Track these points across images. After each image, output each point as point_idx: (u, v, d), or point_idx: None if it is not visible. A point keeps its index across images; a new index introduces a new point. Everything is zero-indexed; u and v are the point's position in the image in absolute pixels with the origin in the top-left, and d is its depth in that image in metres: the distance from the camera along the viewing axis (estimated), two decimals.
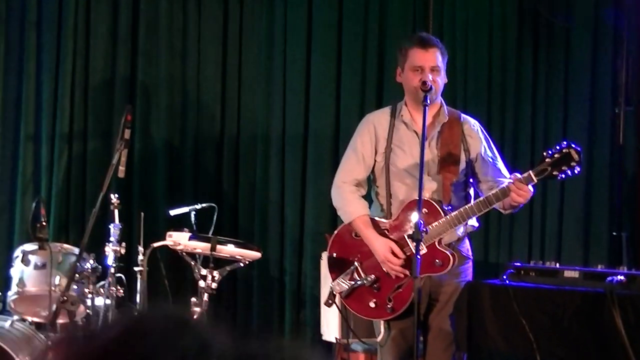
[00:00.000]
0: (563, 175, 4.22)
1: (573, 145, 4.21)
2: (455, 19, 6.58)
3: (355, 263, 4.55)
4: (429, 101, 4.33)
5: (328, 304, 4.59)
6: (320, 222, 6.41)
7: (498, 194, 4.26)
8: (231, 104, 6.61)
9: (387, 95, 6.44)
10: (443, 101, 4.63)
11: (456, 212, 4.35)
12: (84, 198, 6.29)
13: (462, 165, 4.56)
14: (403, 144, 4.57)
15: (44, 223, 5.11)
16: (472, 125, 4.64)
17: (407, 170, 4.54)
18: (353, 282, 4.53)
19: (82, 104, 6.37)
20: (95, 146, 6.35)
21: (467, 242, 4.63)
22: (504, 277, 4.50)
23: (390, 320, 4.55)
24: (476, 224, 4.61)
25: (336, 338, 5.57)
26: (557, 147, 4.21)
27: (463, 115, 4.68)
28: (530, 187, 4.23)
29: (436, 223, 4.34)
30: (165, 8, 6.50)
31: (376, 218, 4.58)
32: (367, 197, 4.71)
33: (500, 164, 4.59)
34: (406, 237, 4.43)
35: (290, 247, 6.51)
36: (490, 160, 4.58)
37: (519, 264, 4.61)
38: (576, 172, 4.21)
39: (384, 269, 4.48)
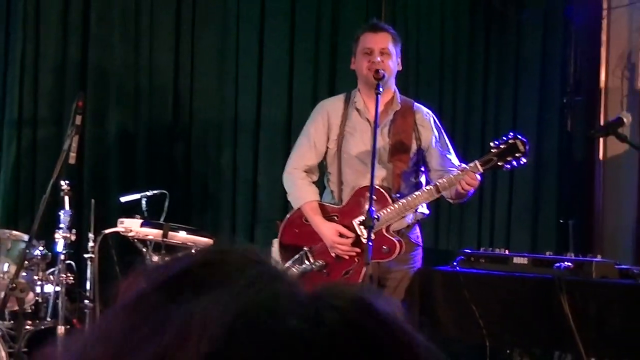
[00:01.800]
0: (509, 166, 4.29)
1: (519, 137, 4.27)
2: (407, 8, 6.62)
3: (305, 248, 4.59)
4: (381, 89, 4.36)
5: None
6: (272, 209, 6.42)
7: (445, 182, 4.32)
8: (184, 91, 6.58)
9: (340, 83, 6.46)
10: (397, 90, 4.67)
11: (404, 200, 4.40)
12: (33, 185, 6.22)
13: (413, 154, 4.60)
14: (355, 131, 4.61)
15: None
16: (425, 114, 4.68)
17: (358, 157, 4.57)
18: (303, 267, 4.57)
19: (32, 90, 6.30)
20: (46, 132, 6.28)
21: (417, 229, 4.67)
22: (455, 263, 4.55)
23: None
24: (427, 212, 4.66)
25: None
26: (504, 138, 4.29)
27: (416, 104, 4.71)
28: (477, 176, 4.29)
29: (384, 210, 4.38)
30: None
31: (326, 204, 4.62)
32: (320, 184, 4.73)
33: (452, 155, 4.64)
34: (355, 223, 4.47)
35: (241, 234, 6.51)
36: (441, 150, 4.62)
37: (469, 250, 4.66)
38: (522, 162, 4.28)
39: (332, 253, 4.52)
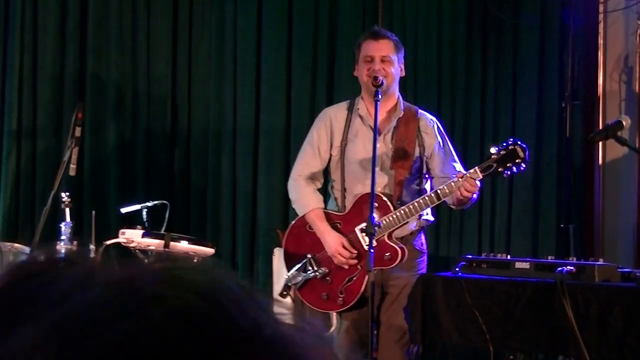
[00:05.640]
0: (508, 172, 4.30)
1: (519, 142, 4.28)
2: (405, 14, 6.62)
3: (309, 255, 4.60)
4: (380, 96, 4.38)
5: (283, 295, 4.66)
6: (272, 218, 6.42)
7: (445, 189, 4.32)
8: (182, 100, 6.59)
9: (338, 90, 6.47)
10: (400, 96, 4.68)
11: (404, 207, 4.40)
12: (33, 196, 6.22)
13: (416, 160, 4.60)
14: (358, 138, 4.62)
15: None
16: (429, 121, 4.69)
17: (360, 164, 4.58)
18: (306, 274, 4.58)
19: (31, 101, 6.31)
20: (45, 143, 6.29)
21: (422, 236, 4.67)
22: (457, 269, 4.54)
23: (341, 312, 4.60)
24: (432, 218, 4.68)
25: None
26: (504, 144, 4.29)
27: (420, 111, 4.72)
28: (477, 182, 4.30)
29: (386, 218, 4.38)
30: (114, 4, 6.45)
31: (329, 211, 4.63)
32: (325, 191, 4.74)
33: (457, 162, 4.64)
34: (357, 230, 4.49)
35: (242, 243, 6.51)
36: (445, 157, 4.62)
37: (470, 256, 4.66)
38: (521, 168, 4.29)
39: (335, 261, 4.52)
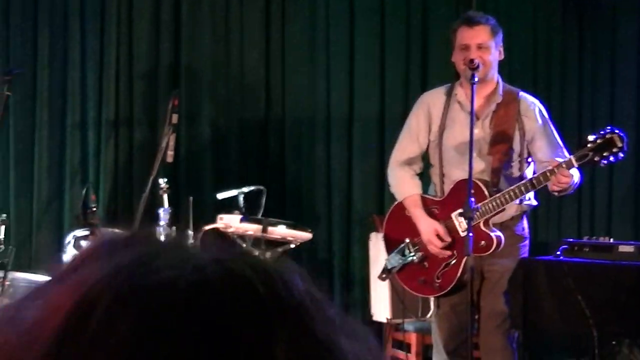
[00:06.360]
0: (605, 162, 4.16)
1: (617, 131, 4.14)
2: None
3: (407, 239, 4.58)
4: (476, 79, 4.30)
5: (382, 278, 4.69)
6: (368, 204, 6.42)
7: (540, 178, 4.24)
8: (275, 88, 6.61)
9: (432, 76, 6.42)
10: (500, 79, 4.60)
11: (499, 195, 4.33)
12: (131, 184, 6.32)
13: (515, 145, 4.51)
14: (455, 124, 4.56)
15: (94, 209, 5.15)
16: (530, 104, 4.59)
17: (458, 150, 4.53)
18: (404, 258, 4.58)
19: (127, 91, 6.40)
20: (141, 132, 6.38)
21: (523, 221, 4.59)
22: (558, 253, 4.47)
23: (439, 297, 4.57)
24: (534, 203, 4.59)
25: (387, 318, 5.56)
26: (601, 132, 4.16)
27: (522, 94, 4.62)
28: (575, 170, 4.19)
29: (481, 205, 4.32)
30: None
31: (426, 196, 4.61)
32: (426, 176, 4.72)
33: (560, 147, 4.51)
34: (453, 216, 4.44)
35: (337, 229, 6.51)
36: (547, 141, 4.51)
37: (572, 240, 4.58)
38: (619, 158, 4.16)
39: (428, 248, 4.50)
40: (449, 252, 4.45)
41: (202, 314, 0.61)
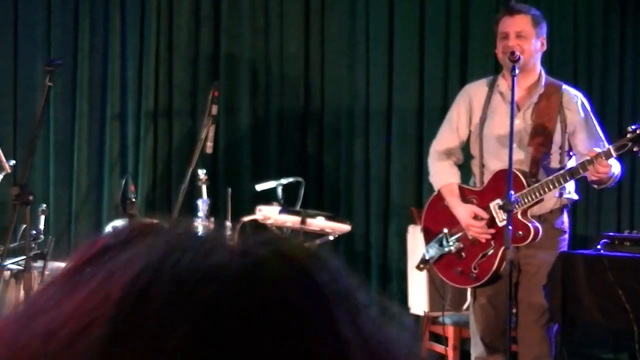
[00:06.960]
0: None
1: None
2: None
3: (445, 230, 4.61)
4: (517, 71, 4.29)
5: (419, 268, 4.73)
6: (406, 196, 6.40)
7: (578, 167, 4.24)
8: (314, 79, 6.60)
9: (471, 68, 6.39)
10: (543, 71, 4.59)
11: (537, 185, 4.32)
12: (169, 175, 6.35)
13: (557, 136, 4.51)
14: (496, 114, 4.57)
15: (134, 200, 5.18)
16: (573, 96, 4.59)
17: (498, 140, 4.52)
18: (441, 248, 4.61)
19: (167, 82, 6.42)
20: (181, 123, 6.40)
21: (564, 215, 4.57)
22: (599, 247, 4.43)
23: (476, 287, 4.57)
24: (575, 197, 4.57)
25: (424, 311, 5.55)
26: None
27: (564, 86, 4.62)
28: (615, 161, 4.17)
29: (518, 194, 4.30)
30: None
31: (465, 186, 4.63)
32: (467, 168, 4.70)
33: (602, 140, 4.48)
34: (492, 206, 4.44)
35: (375, 221, 6.50)
36: (589, 134, 4.50)
37: (612, 234, 4.55)
38: None
39: (468, 235, 4.50)
40: (489, 235, 4.43)
41: (261, 294, 0.61)
